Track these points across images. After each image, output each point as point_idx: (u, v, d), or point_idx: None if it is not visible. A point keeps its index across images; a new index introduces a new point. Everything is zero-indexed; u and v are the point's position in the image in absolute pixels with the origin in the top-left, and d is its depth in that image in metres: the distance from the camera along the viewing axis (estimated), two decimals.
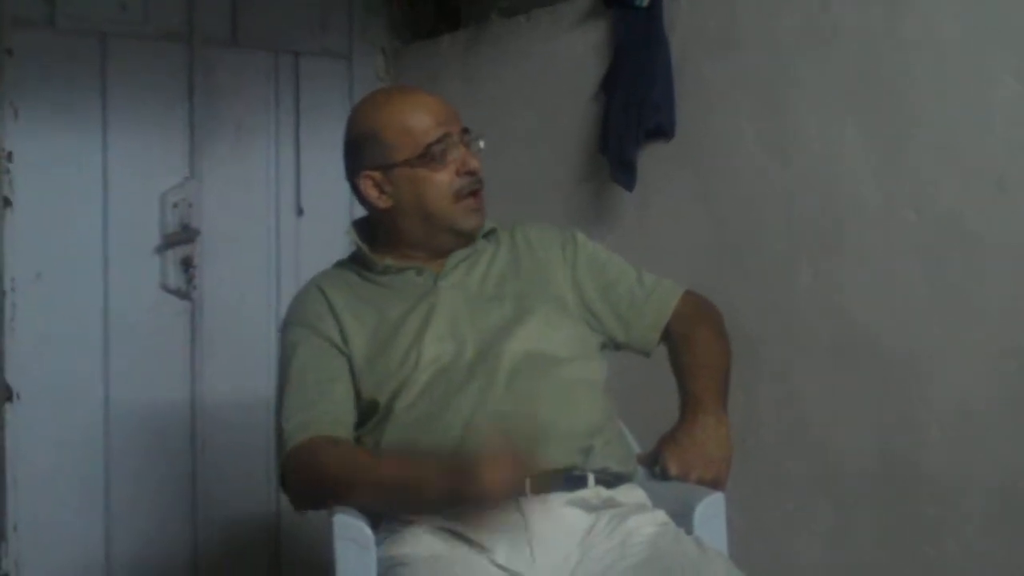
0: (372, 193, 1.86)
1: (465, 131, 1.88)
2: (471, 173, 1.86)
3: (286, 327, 1.91)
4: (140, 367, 3.24)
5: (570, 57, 3.12)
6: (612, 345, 1.96)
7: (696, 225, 2.79)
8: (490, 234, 1.95)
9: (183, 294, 3.29)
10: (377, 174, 1.85)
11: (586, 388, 1.82)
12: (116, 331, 3.21)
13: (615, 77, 2.96)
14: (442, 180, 1.83)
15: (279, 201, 3.47)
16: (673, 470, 1.77)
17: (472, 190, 1.86)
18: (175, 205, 3.26)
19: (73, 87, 3.16)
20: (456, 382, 1.74)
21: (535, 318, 1.82)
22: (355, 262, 1.94)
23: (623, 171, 2.87)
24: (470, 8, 3.58)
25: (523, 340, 1.78)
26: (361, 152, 1.87)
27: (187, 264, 3.27)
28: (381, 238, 1.92)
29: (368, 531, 1.66)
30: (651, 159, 2.87)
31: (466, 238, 1.89)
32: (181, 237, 3.25)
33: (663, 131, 2.84)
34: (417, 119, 1.83)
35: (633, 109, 2.87)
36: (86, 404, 3.17)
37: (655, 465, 1.83)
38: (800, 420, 2.55)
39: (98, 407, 3.19)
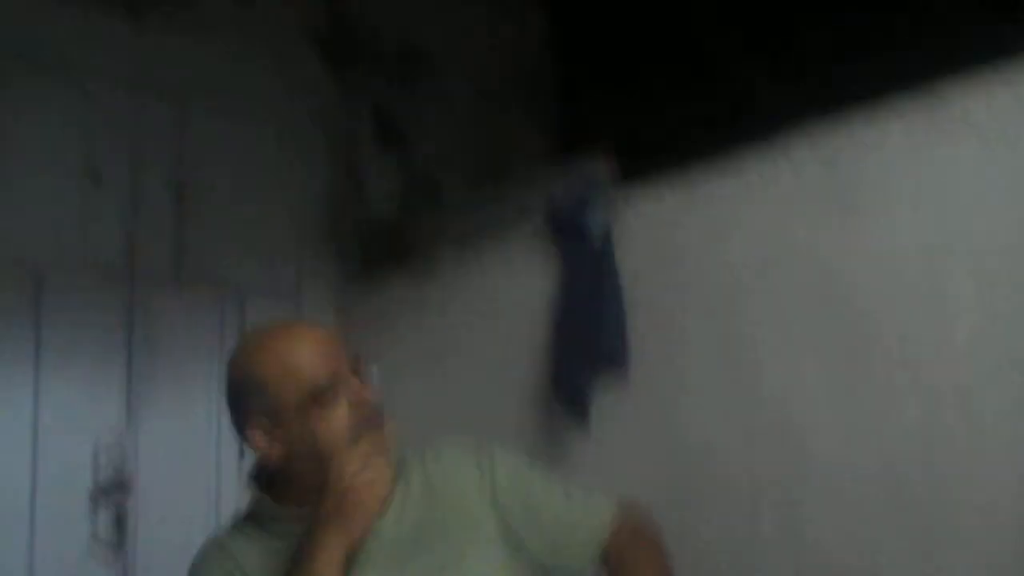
0: (262, 444, 1.69)
1: (355, 363, 1.74)
2: (365, 407, 1.69)
3: None
4: None
5: (520, 288, 3.08)
6: (542, 570, 1.78)
7: (654, 464, 2.67)
8: (398, 469, 1.77)
9: (115, 545, 3.07)
10: (264, 422, 1.69)
11: None
12: None
13: (565, 310, 2.91)
14: (335, 422, 1.66)
15: (220, 452, 3.30)
16: None
17: (369, 425, 1.68)
18: (109, 448, 3.09)
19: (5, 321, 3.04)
20: None
21: (461, 559, 1.67)
22: (256, 515, 1.76)
23: (575, 408, 2.79)
24: (420, 242, 3.54)
25: None
26: (243, 400, 1.71)
27: (120, 516, 3.07)
28: (280, 485, 1.73)
29: None
30: (606, 397, 2.79)
31: None
32: (114, 486, 3.06)
33: (616, 365, 2.75)
34: (302, 364, 1.68)
35: (584, 343, 2.80)
36: None
37: None
38: None
39: None
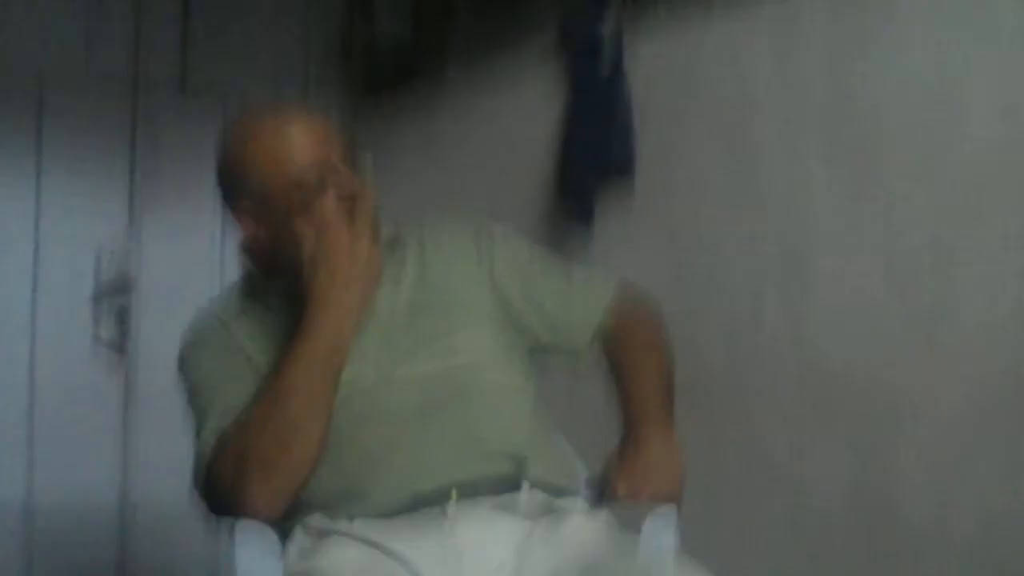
0: (249, 226, 1.66)
1: (349, 150, 1.69)
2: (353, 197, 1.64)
3: (186, 356, 1.68)
4: (71, 423, 3.03)
5: (531, 100, 3.05)
6: (540, 349, 1.76)
7: (658, 262, 2.67)
8: (392, 246, 1.74)
9: (118, 347, 3.09)
10: (251, 205, 1.65)
11: (512, 395, 1.64)
12: (44, 386, 3.01)
13: (574, 120, 2.88)
14: (322, 209, 1.60)
15: (223, 254, 3.31)
16: (622, 491, 1.58)
17: None
18: (112, 253, 3.09)
19: (7, 129, 3.04)
20: (360, 413, 1.54)
21: (452, 330, 1.64)
22: (248, 288, 1.75)
23: (581, 210, 2.78)
24: (428, 59, 3.49)
25: (439, 355, 1.61)
26: (232, 182, 1.67)
27: (122, 316, 3.09)
28: (271, 260, 1.70)
29: (273, 536, 1.49)
30: (611, 199, 2.77)
31: None
32: (117, 287, 3.07)
33: (622, 169, 2.73)
34: (288, 155, 1.63)
35: (592, 151, 2.78)
36: (10, 472, 2.96)
37: (603, 489, 1.62)
38: (766, 457, 2.40)
39: (20, 478, 2.97)
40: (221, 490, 1.53)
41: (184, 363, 1.68)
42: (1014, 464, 1.98)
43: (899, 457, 2.15)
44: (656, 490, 1.58)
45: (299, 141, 1.64)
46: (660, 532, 1.52)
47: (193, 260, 3.25)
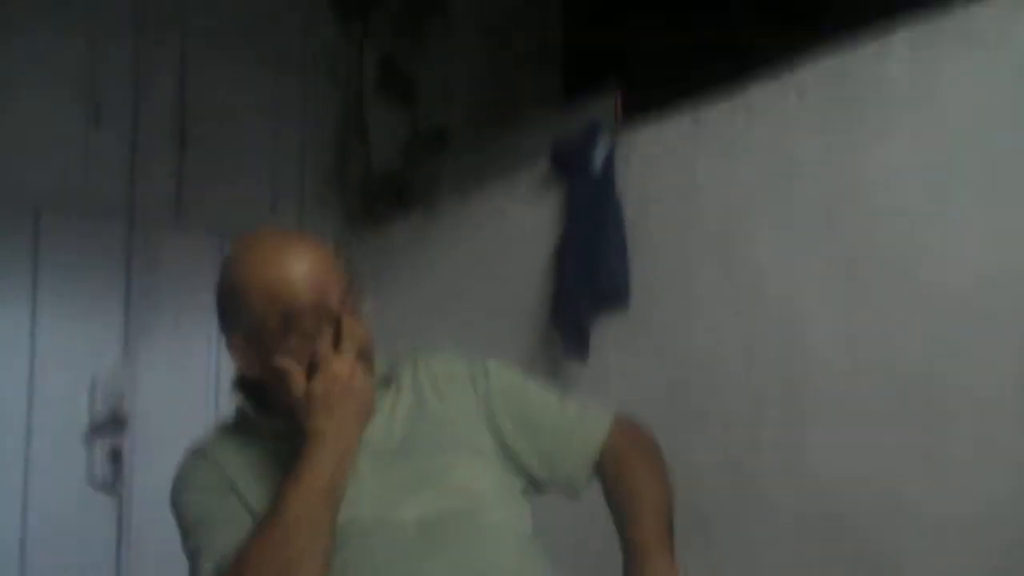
0: (243, 357, 1.64)
1: (352, 288, 1.68)
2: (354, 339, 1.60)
3: (178, 497, 1.65)
4: (62, 563, 2.96)
5: (523, 229, 3.06)
6: (535, 487, 1.72)
7: (653, 390, 2.65)
8: (387, 380, 1.72)
9: (111, 488, 3.05)
10: (244, 338, 1.64)
11: (510, 535, 1.59)
12: (36, 526, 2.96)
13: (567, 246, 2.88)
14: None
15: (218, 391, 3.28)
16: None
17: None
18: (106, 393, 3.07)
19: (3, 257, 3.04)
20: (356, 555, 1.50)
21: (447, 465, 1.60)
22: (239, 424, 1.72)
23: (575, 341, 2.77)
24: (424, 190, 3.51)
25: (436, 496, 1.56)
26: (228, 313, 1.65)
27: (115, 456, 3.05)
28: (262, 394, 1.66)
29: None
30: (606, 329, 2.77)
31: None
32: (110, 425, 3.04)
33: (617, 298, 2.73)
34: (287, 279, 1.59)
35: (585, 277, 2.78)
36: None
37: None
38: None
39: None
40: None
41: (175, 505, 1.62)
42: None
43: None
44: None
45: (298, 274, 1.58)
46: None
47: (188, 395, 3.22)
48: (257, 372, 1.61)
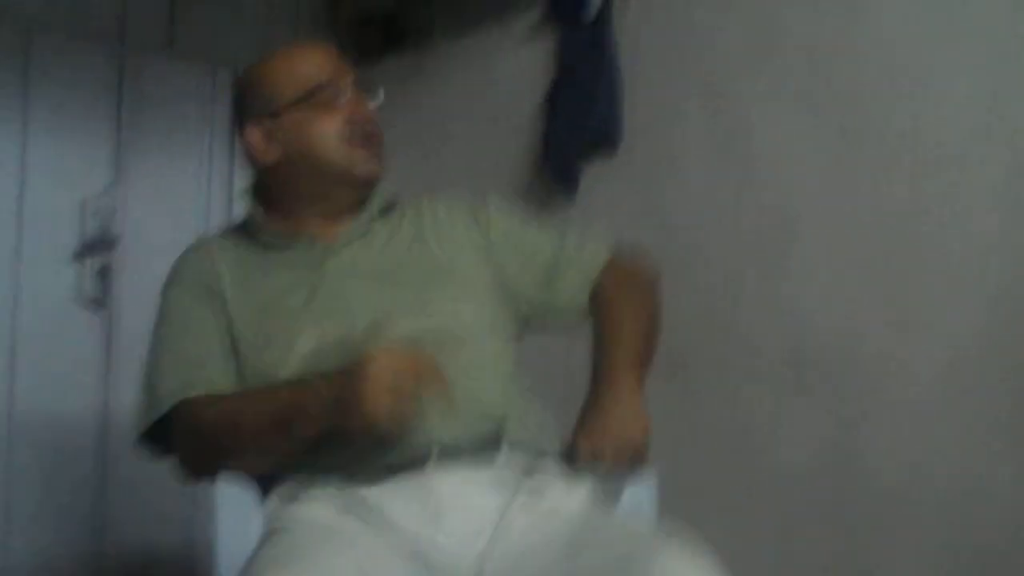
0: (259, 145, 1.72)
1: (361, 80, 1.75)
2: (365, 120, 1.72)
3: (167, 287, 1.76)
4: (49, 379, 3.05)
5: (515, 74, 3.07)
6: (534, 313, 1.79)
7: (639, 235, 2.66)
8: (389, 209, 1.79)
9: (99, 304, 3.11)
10: (263, 122, 1.71)
11: (494, 358, 1.67)
12: (24, 339, 3.03)
13: (559, 91, 2.90)
14: (332, 123, 1.69)
15: (208, 213, 3.33)
16: (583, 451, 1.55)
17: (366, 137, 1.71)
18: (96, 212, 3.10)
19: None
20: (334, 361, 1.54)
21: (438, 294, 1.67)
22: (245, 227, 1.80)
23: (563, 178, 2.80)
24: (416, 29, 3.50)
25: (422, 317, 1.62)
26: (246, 102, 1.75)
27: (105, 273, 3.10)
28: (275, 200, 1.76)
29: (251, 499, 1.53)
30: (596, 173, 2.80)
31: (363, 189, 1.74)
32: (100, 244, 3.08)
33: (608, 142, 2.75)
34: (304, 63, 1.73)
35: (576, 121, 2.80)
36: None
37: (571, 451, 1.59)
38: (745, 429, 2.45)
39: (1, 420, 2.99)
40: (181, 449, 1.62)
41: (162, 294, 1.76)
42: (987, 428, 2.04)
43: (874, 427, 2.21)
44: (618, 450, 1.54)
45: (314, 53, 1.75)
46: (640, 501, 1.55)
47: (178, 215, 3.27)
48: (276, 157, 1.71)
